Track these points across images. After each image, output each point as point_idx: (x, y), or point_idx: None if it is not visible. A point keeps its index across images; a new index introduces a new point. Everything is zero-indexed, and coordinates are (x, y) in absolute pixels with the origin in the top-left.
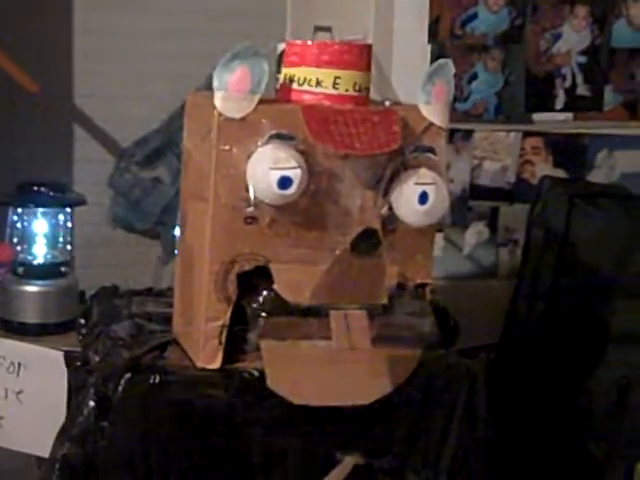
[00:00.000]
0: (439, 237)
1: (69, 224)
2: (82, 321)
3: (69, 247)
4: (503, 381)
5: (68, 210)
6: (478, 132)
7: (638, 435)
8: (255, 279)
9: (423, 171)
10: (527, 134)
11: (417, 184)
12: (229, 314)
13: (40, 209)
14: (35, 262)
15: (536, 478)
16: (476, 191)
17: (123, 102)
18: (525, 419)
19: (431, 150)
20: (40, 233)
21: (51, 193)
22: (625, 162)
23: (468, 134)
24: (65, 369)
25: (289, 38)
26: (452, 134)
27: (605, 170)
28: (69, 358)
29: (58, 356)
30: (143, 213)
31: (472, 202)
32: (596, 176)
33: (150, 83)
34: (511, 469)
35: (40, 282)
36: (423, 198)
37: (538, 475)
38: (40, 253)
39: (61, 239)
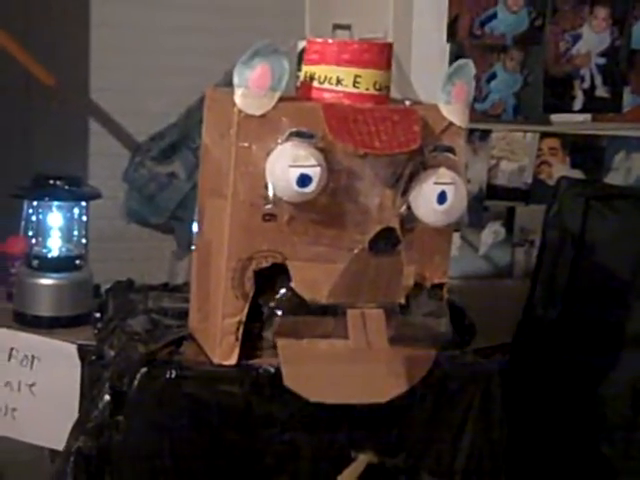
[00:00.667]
0: (455, 237)
1: (84, 218)
2: (97, 315)
3: (84, 240)
4: (518, 381)
5: (83, 204)
6: (496, 132)
7: None
8: (272, 277)
9: (442, 171)
10: (545, 135)
11: (436, 184)
12: (246, 310)
13: (55, 202)
14: (50, 255)
15: (551, 478)
16: (493, 191)
17: (139, 96)
18: (539, 420)
19: (450, 150)
20: (55, 226)
21: (66, 186)
22: None
23: (486, 134)
24: (78, 362)
25: (308, 36)
26: (470, 134)
27: (622, 172)
28: (83, 351)
29: (71, 349)
30: (157, 208)
31: (488, 202)
32: (613, 178)
33: (166, 78)
34: (525, 470)
35: (54, 275)
36: (442, 198)
37: (552, 477)
38: (55, 246)
39: (76, 232)
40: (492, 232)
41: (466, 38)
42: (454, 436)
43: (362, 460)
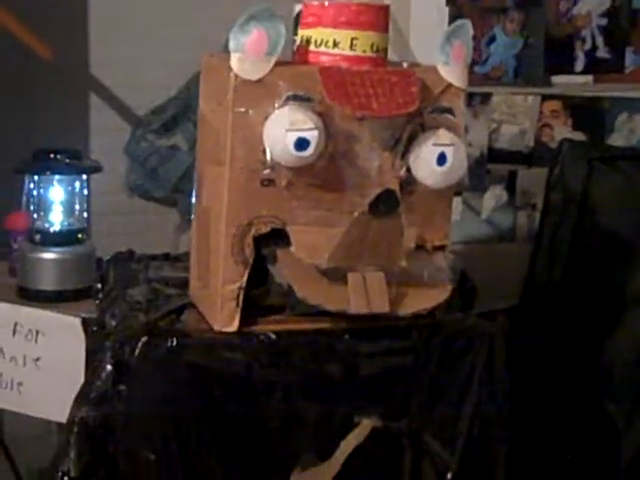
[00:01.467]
0: (457, 201)
1: (85, 191)
2: (99, 286)
3: (85, 214)
4: (522, 344)
5: (84, 177)
6: (496, 95)
7: None
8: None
9: (442, 132)
10: (546, 97)
11: (435, 145)
12: (246, 277)
13: (56, 176)
14: (52, 229)
15: (556, 440)
16: (494, 155)
17: (140, 69)
18: (544, 381)
19: (449, 111)
20: (56, 200)
21: (67, 160)
22: None
23: (486, 97)
24: (83, 335)
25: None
26: (470, 98)
27: (625, 133)
28: (87, 325)
29: (76, 322)
30: (160, 180)
31: (490, 166)
32: (616, 139)
33: (167, 50)
34: (530, 433)
35: (57, 249)
36: (442, 159)
37: (558, 437)
38: (56, 220)
39: (77, 206)
40: (494, 196)
41: (466, 0)
42: (458, 399)
43: (366, 425)
